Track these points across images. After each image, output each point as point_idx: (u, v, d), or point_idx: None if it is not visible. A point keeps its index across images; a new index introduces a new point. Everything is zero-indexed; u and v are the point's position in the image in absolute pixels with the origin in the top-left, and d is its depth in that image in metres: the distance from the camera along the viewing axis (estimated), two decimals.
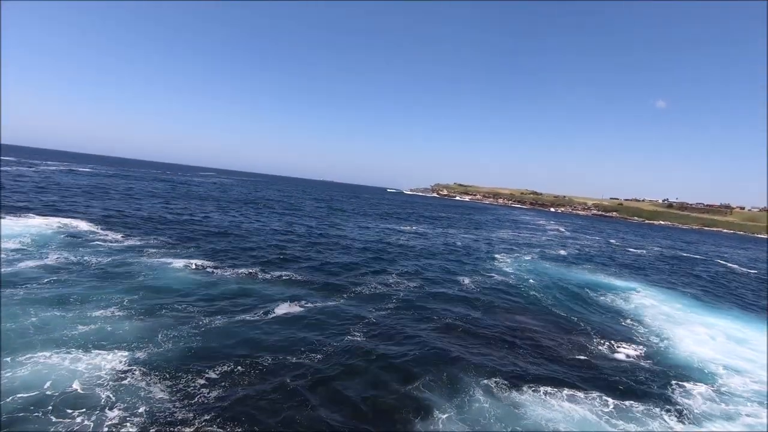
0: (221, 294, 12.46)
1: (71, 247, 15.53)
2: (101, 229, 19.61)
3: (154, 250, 16.80)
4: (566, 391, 8.62)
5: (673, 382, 9.82)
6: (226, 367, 8.12)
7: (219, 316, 10.61)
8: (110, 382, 7.13)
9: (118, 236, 18.49)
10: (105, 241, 17.34)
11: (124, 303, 10.68)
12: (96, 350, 8.11)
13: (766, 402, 9.20)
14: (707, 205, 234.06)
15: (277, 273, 15.73)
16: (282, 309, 11.74)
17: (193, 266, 15.19)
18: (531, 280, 19.52)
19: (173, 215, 27.79)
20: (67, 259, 13.81)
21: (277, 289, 13.74)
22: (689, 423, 8.11)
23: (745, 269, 37.45)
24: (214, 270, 15.14)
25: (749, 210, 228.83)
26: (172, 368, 7.82)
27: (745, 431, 8.69)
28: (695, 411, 8.53)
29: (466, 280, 18.19)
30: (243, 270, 15.51)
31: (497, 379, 8.81)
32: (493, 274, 20.20)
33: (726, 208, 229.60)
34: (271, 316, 11.17)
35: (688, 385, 9.64)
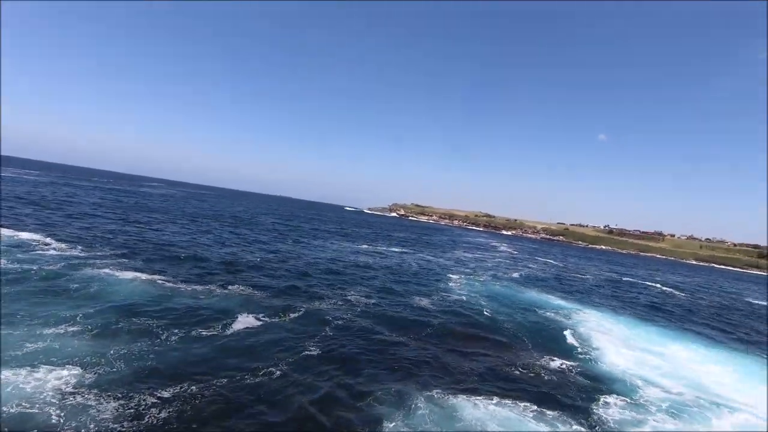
0: (175, 308, 12.21)
1: (12, 258, 14.57)
2: (43, 238, 18.49)
3: (101, 262, 16.10)
4: (497, 399, 9.27)
5: (595, 392, 10.67)
6: (178, 386, 7.98)
7: (173, 331, 10.41)
8: (59, 402, 6.90)
9: (62, 246, 17.53)
10: (48, 251, 16.40)
11: (74, 317, 10.26)
12: (44, 367, 7.78)
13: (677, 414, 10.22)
14: (643, 232, 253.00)
15: (233, 288, 15.55)
16: (238, 324, 11.67)
17: (145, 279, 14.72)
18: (483, 300, 20.41)
19: (120, 226, 26.58)
20: (9, 271, 12.98)
21: (232, 303, 13.60)
22: (598, 427, 8.82)
23: (676, 292, 40.73)
24: (167, 283, 14.75)
25: (678, 237, 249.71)
26: (124, 387, 7.65)
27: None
28: (608, 418, 9.29)
29: (421, 299, 18.73)
30: (197, 284, 15.20)
31: (440, 390, 9.32)
32: (447, 294, 20.89)
33: (659, 235, 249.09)
34: (227, 331, 11.09)
35: (608, 396, 10.48)
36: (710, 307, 32.87)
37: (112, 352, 8.81)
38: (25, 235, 18.51)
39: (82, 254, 16.88)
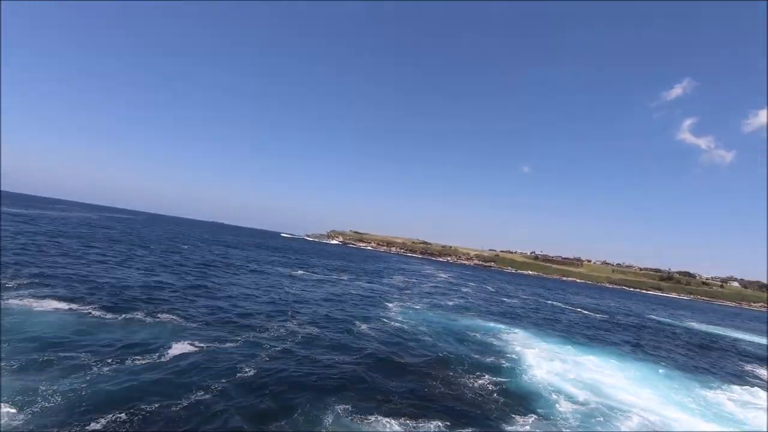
0: (105, 339, 11.62)
1: None
2: None
3: (15, 293, 14.68)
4: (409, 420, 9.58)
5: (513, 406, 11.35)
6: (112, 417, 7.68)
7: (106, 361, 9.95)
8: None
9: None
10: None
11: None
12: None
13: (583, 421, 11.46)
14: (564, 258, 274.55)
15: (165, 316, 15.02)
16: (172, 352, 11.37)
17: (68, 310, 13.75)
18: (418, 325, 21.18)
19: (33, 254, 24.14)
20: None
21: (165, 332, 13.17)
22: None
23: (594, 314, 44.53)
24: (94, 313, 13.96)
25: (594, 262, 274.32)
26: (56, 424, 7.21)
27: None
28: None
29: (358, 325, 19.01)
30: (126, 314, 14.45)
31: (356, 411, 9.56)
32: (384, 320, 21.37)
33: (578, 261, 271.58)
34: (161, 360, 10.78)
35: (525, 410, 11.17)
36: (622, 325, 36.56)
37: (42, 388, 8.23)
38: None
39: None
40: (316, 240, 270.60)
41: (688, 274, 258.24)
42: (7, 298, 13.88)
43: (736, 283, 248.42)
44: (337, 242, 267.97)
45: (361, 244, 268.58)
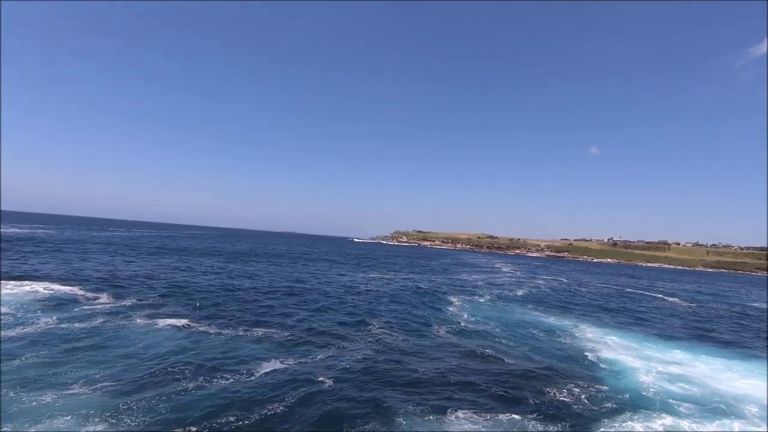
0: (204, 355, 12.72)
1: (51, 312, 15.78)
2: (79, 290, 19.79)
3: (135, 312, 17.21)
4: (492, 416, 9.79)
5: (607, 412, 10.69)
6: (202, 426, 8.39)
7: (200, 378, 10.86)
8: None
9: (87, 295, 18.73)
10: (83, 302, 17.61)
11: (106, 370, 11.08)
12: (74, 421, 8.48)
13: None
14: (647, 243, 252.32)
15: (261, 330, 16.17)
16: (263, 368, 12.05)
17: (180, 325, 15.61)
18: (490, 323, 21.24)
19: (129, 271, 27.68)
20: (47, 327, 14.06)
21: (258, 346, 14.22)
22: None
23: (686, 303, 40.87)
24: (199, 329, 15.63)
25: (684, 245, 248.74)
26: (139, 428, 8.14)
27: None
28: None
29: (428, 326, 19.53)
30: (228, 329, 15.86)
31: (433, 407, 10.01)
32: (455, 319, 21.70)
33: (664, 245, 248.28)
34: (252, 376, 11.41)
35: (618, 417, 10.38)
36: (718, 314, 33.41)
37: (134, 400, 9.30)
38: (60, 287, 19.76)
39: (115, 304, 18.08)
40: (381, 241, 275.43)
41: None
42: (135, 317, 16.32)
43: None
44: (400, 242, 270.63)
45: (426, 243, 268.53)
